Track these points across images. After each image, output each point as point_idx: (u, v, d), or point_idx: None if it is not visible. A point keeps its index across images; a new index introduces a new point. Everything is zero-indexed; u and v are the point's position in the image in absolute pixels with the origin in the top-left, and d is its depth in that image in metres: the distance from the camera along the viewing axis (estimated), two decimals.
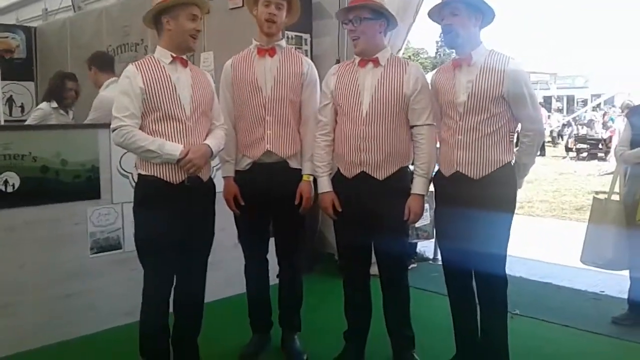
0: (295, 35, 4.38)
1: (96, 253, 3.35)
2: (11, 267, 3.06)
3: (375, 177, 2.66)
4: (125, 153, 3.26)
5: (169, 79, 2.53)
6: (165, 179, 2.50)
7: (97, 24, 6.34)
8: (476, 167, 2.55)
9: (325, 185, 2.78)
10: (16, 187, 3.07)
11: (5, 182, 3.04)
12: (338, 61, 4.32)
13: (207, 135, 2.63)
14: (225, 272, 3.56)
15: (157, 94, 2.49)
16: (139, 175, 2.58)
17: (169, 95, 2.51)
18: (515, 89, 2.49)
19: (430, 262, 4.93)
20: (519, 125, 2.63)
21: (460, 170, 2.57)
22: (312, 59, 4.33)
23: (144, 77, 2.49)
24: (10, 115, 6.69)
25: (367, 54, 2.68)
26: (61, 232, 3.22)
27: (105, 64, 4.50)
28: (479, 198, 2.52)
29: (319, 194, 2.81)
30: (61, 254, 3.22)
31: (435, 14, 2.61)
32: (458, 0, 2.50)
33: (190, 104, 2.55)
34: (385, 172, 2.67)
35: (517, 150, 2.65)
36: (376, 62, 2.68)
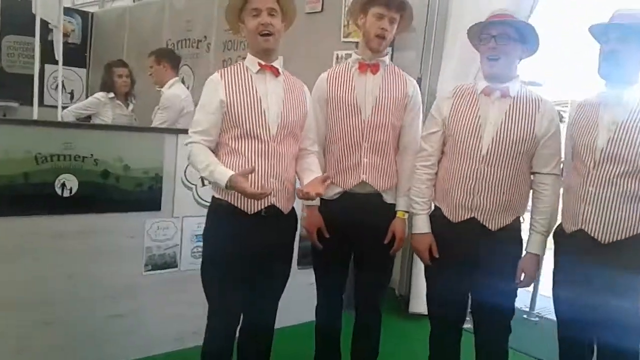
0: None
1: (150, 270, 3.04)
2: (58, 277, 2.76)
3: (487, 226, 2.28)
4: None
5: (254, 91, 2.20)
6: (239, 206, 2.19)
7: (158, 16, 6.09)
8: (606, 228, 2.12)
9: (423, 226, 2.42)
10: (73, 191, 2.77)
11: (63, 186, 2.74)
12: (419, 79, 3.96)
13: (295, 160, 2.32)
14: (296, 298, 3.19)
15: (238, 108, 2.16)
16: (212, 197, 2.28)
17: (252, 110, 2.18)
18: None
19: (525, 316, 4.09)
20: None
21: (585, 229, 2.17)
22: None
23: (227, 88, 2.18)
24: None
25: (500, 79, 2.28)
26: (115, 245, 2.91)
27: (176, 63, 4.38)
28: (608, 265, 2.09)
29: (414, 235, 2.45)
30: (113, 268, 2.90)
31: (600, 32, 2.16)
32: (632, 26, 2.06)
33: (277, 122, 2.21)
34: (499, 222, 2.28)
35: None
36: (505, 93, 2.28)
